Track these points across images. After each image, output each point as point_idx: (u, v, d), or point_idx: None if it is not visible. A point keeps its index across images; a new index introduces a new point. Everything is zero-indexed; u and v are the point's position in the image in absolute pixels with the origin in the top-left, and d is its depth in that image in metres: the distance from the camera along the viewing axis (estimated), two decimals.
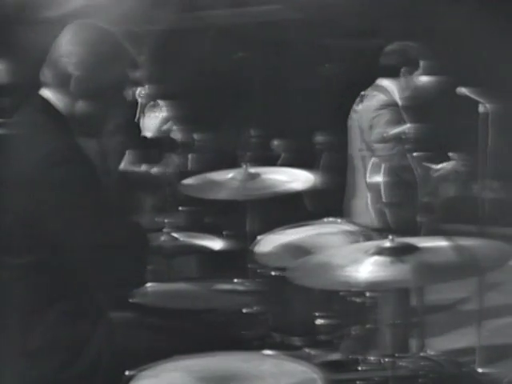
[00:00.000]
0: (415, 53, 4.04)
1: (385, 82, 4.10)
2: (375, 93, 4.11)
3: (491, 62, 5.44)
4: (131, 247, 2.30)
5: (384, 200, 3.97)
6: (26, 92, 2.48)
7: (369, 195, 4.08)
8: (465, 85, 3.92)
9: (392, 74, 4.06)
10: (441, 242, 2.38)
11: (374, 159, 4.04)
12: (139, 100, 4.47)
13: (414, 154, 3.63)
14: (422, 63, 4.03)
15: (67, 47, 2.33)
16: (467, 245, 2.35)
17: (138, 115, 4.43)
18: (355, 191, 4.23)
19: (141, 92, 4.45)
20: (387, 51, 4.12)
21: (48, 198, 2.19)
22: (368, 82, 4.24)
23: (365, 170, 4.11)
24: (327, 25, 5.78)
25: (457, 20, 5.55)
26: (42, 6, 4.77)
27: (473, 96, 3.85)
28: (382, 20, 5.80)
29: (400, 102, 4.07)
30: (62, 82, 2.33)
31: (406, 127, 3.52)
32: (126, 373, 2.10)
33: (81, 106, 2.34)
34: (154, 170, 2.64)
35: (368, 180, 4.08)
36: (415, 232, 3.35)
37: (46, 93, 2.36)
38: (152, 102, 4.54)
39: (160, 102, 4.51)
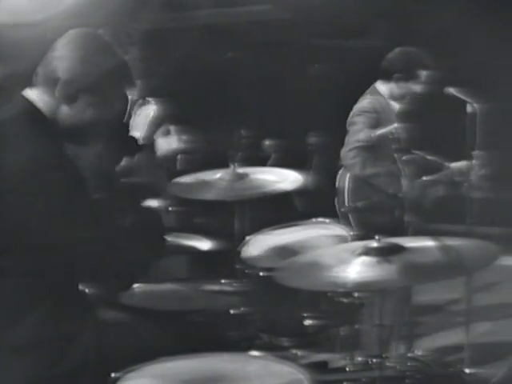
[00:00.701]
0: (415, 61, 4.03)
1: (380, 85, 4.12)
2: (367, 96, 4.13)
3: (479, 61, 5.45)
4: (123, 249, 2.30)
5: (347, 204, 4.03)
6: (9, 91, 2.47)
7: (336, 199, 4.13)
8: (453, 85, 3.93)
9: (387, 77, 4.07)
10: (427, 242, 2.38)
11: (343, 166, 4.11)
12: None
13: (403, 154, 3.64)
14: (420, 73, 4.02)
15: (61, 51, 2.33)
16: (454, 245, 2.36)
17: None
18: None
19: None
20: (390, 55, 4.12)
21: (30, 200, 2.18)
22: (359, 82, 4.25)
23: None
24: (317, 25, 5.78)
25: (444, 20, 5.57)
26: (31, 7, 4.76)
27: (461, 96, 3.86)
28: (371, 20, 5.81)
29: (395, 106, 4.07)
30: (50, 84, 2.32)
31: (393, 127, 3.53)
32: (112, 375, 2.09)
33: (64, 111, 2.33)
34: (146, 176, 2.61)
35: (336, 184, 4.14)
36: (404, 234, 3.36)
37: (31, 93, 2.35)
38: (141, 100, 4.51)
39: (149, 99, 4.49)
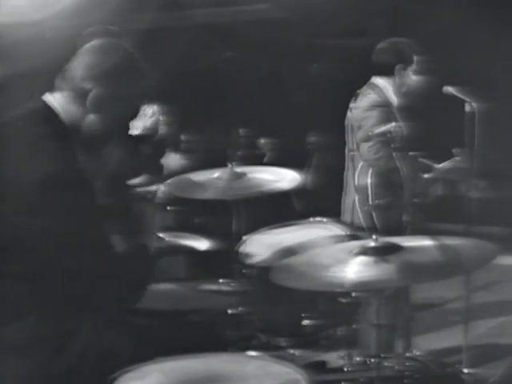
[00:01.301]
0: (408, 49, 4.02)
1: (379, 81, 4.08)
2: (368, 91, 4.09)
3: (478, 61, 5.45)
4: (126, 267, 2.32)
5: (371, 202, 3.96)
6: (27, 95, 2.48)
7: (356, 197, 4.07)
8: (451, 84, 3.92)
9: (386, 71, 4.04)
10: (425, 242, 2.38)
11: (362, 162, 4.03)
12: None
13: (402, 152, 3.63)
14: (415, 58, 4.01)
15: (88, 62, 2.36)
16: (452, 244, 2.35)
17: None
18: (346, 190, 4.23)
19: None
20: (379, 49, 4.09)
21: (40, 212, 2.19)
22: (358, 80, 4.23)
23: (354, 170, 4.11)
24: (315, 24, 5.78)
25: (444, 20, 5.57)
26: (31, 7, 4.76)
27: (459, 95, 3.85)
28: (369, 19, 5.81)
29: (394, 101, 4.05)
30: (76, 93, 2.34)
31: (392, 126, 3.52)
32: (110, 375, 2.08)
33: (91, 120, 2.35)
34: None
35: (356, 182, 4.06)
36: (402, 233, 3.35)
37: (51, 99, 2.35)
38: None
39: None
